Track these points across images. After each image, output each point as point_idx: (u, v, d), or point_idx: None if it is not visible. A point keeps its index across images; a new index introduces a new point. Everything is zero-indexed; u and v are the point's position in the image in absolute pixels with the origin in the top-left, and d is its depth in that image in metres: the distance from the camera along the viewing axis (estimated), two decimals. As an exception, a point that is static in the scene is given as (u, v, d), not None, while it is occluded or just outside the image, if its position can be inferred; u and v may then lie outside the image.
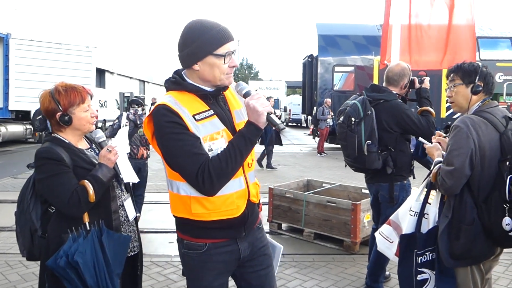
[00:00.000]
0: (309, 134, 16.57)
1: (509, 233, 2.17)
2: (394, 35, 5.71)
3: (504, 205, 2.16)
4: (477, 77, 2.36)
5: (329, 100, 13.65)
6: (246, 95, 1.75)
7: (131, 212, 2.31)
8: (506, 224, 2.15)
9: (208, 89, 1.79)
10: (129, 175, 2.36)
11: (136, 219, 2.39)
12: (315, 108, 15.15)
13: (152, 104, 18.67)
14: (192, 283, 1.88)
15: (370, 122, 3.28)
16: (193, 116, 1.70)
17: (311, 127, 15.85)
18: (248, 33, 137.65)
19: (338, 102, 14.34)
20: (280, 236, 5.35)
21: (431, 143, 3.43)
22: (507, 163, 2.18)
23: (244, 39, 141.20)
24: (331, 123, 13.66)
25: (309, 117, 16.22)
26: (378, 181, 3.47)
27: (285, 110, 29.99)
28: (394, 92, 3.41)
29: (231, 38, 1.74)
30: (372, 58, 14.36)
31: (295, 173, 10.50)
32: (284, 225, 5.50)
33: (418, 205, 2.45)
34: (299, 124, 30.02)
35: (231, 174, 1.68)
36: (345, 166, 3.64)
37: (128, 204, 2.30)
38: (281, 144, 11.37)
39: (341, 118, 3.41)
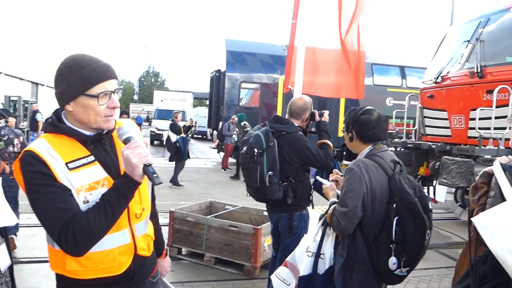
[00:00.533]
0: (214, 148, 16.54)
1: (395, 272, 2.30)
2: (299, 57, 5.90)
3: (391, 245, 2.28)
4: (351, 127, 2.54)
5: (236, 117, 13.77)
6: (125, 141, 1.56)
7: (3, 261, 2.00)
8: (393, 264, 2.28)
9: (87, 133, 1.60)
10: (4, 217, 2.05)
11: (11, 268, 2.08)
12: (221, 123, 15.19)
13: (34, 112, 17.04)
14: None
15: (273, 153, 3.31)
16: (66, 164, 1.51)
17: (216, 141, 15.85)
18: (156, 40, 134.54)
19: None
20: (180, 262, 5.16)
21: (328, 175, 3.57)
22: (394, 205, 2.31)
23: (152, 46, 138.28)
24: (236, 139, 13.76)
25: (215, 132, 16.20)
26: (278, 211, 3.51)
27: (191, 122, 29.64)
28: (296, 125, 3.50)
29: (109, 76, 1.57)
30: (278, 77, 14.83)
31: (199, 190, 10.36)
32: (184, 250, 5.33)
33: (315, 245, 2.48)
34: (204, 137, 29.90)
35: (101, 233, 1.49)
36: (247, 195, 3.62)
37: (1, 251, 2.00)
38: (188, 157, 11.13)
39: (244, 148, 3.40)
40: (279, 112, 14.62)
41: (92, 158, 1.57)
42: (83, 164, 1.54)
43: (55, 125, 1.59)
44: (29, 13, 33.72)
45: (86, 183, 1.53)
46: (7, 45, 29.61)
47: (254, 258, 4.73)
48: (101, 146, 1.64)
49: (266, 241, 4.89)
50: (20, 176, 1.51)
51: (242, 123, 12.28)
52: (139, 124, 35.62)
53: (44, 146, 1.53)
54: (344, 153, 16.00)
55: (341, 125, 15.30)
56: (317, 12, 6.08)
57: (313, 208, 3.66)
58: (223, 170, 13.95)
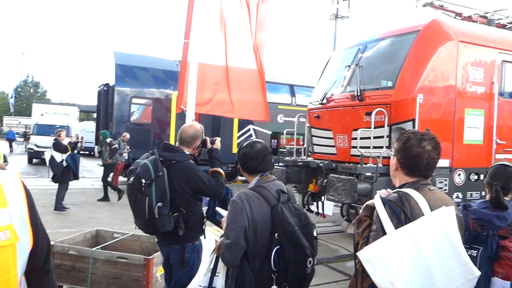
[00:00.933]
0: (102, 165, 15.48)
1: None
2: (192, 75, 5.77)
3: (273, 275, 2.33)
4: (238, 161, 2.68)
5: (127, 134, 13.10)
6: None
7: None
8: None
9: None
10: None
11: None
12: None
13: None
14: None
15: (162, 183, 3.14)
16: None
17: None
18: (36, 46, 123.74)
19: (135, 134, 13.96)
20: (60, 302, 4.64)
21: (220, 202, 3.50)
22: (276, 234, 2.35)
23: (30, 53, 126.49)
24: (126, 157, 13.09)
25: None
26: (169, 243, 3.33)
27: (76, 138, 27.57)
28: (187, 153, 3.37)
29: None
30: (171, 93, 14.52)
31: (86, 214, 9.58)
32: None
33: (206, 279, 2.44)
34: (92, 153, 28.04)
35: None
36: (136, 228, 3.38)
37: None
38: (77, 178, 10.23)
39: (131, 179, 3.16)
40: (172, 129, 14.30)
41: None
42: None
43: None
44: None
45: None
46: None
47: (145, 290, 4.44)
48: None
49: (159, 271, 4.63)
50: None
51: (108, 140, 11.71)
52: (11, 140, 31.99)
53: None
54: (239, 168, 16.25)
55: (235, 142, 15.50)
56: (212, 30, 6.03)
57: (205, 238, 3.54)
58: (112, 190, 13.14)
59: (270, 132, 15.91)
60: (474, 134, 6.77)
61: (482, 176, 6.80)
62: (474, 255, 2.62)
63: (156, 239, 3.49)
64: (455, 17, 8.24)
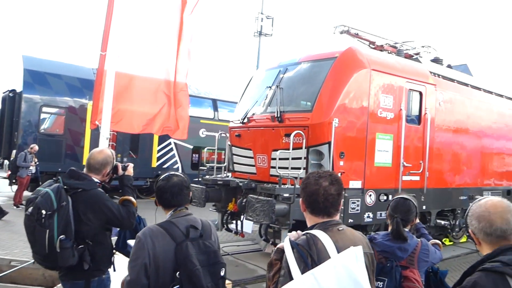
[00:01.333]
0: (5, 178, 14.09)
1: None
2: (108, 85, 5.45)
3: None
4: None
5: (35, 146, 12.10)
6: None
7: None
8: None
9: None
10: None
11: None
12: (14, 151, 13.16)
13: None
14: None
15: (65, 214, 2.87)
16: None
17: (8, 172, 13.56)
18: None
19: (45, 145, 12.96)
20: None
21: (131, 233, 3.30)
22: (177, 273, 2.28)
23: None
24: (33, 171, 12.09)
25: (6, 161, 13.91)
26: (73, 278, 3.04)
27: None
28: (96, 180, 3.12)
29: None
30: (86, 102, 13.72)
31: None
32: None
33: None
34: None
35: None
36: (34, 262, 3.06)
37: None
38: None
39: (30, 209, 2.85)
40: (87, 141, 13.52)
41: None
42: None
43: None
44: None
45: None
46: None
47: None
48: None
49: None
50: None
51: None
52: None
53: None
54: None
55: (155, 156, 15.03)
56: (133, 41, 5.77)
57: (114, 271, 3.30)
58: (15, 207, 12.01)
59: (191, 147, 15.70)
60: (384, 157, 7.21)
61: (390, 197, 7.25)
62: (380, 286, 2.72)
63: (58, 274, 3.18)
64: (369, 45, 8.78)
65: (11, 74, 15.16)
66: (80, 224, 2.95)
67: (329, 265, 1.80)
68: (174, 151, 15.42)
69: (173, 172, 2.67)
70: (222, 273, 2.41)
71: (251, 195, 6.46)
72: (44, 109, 13.48)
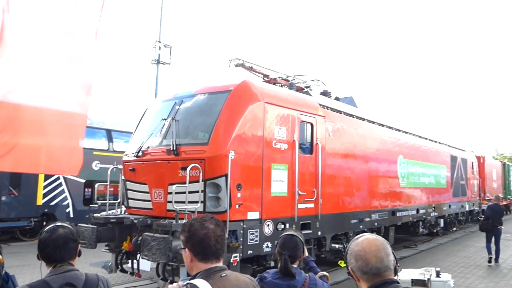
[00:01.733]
0: None
1: None
2: None
3: None
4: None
5: None
6: None
7: None
8: None
9: None
10: None
11: None
12: None
13: None
14: None
15: None
16: None
17: None
18: None
19: None
20: None
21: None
22: None
23: None
24: None
25: None
26: None
27: None
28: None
29: None
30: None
31: None
32: None
33: None
34: None
35: None
36: None
37: None
38: None
39: None
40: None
41: None
42: None
43: None
44: None
45: None
46: None
47: None
48: None
49: None
50: None
51: None
52: None
53: None
54: (45, 223, 14.36)
55: (41, 192, 13.69)
56: (20, 65, 5.17)
57: None
58: None
59: (83, 181, 14.62)
60: (280, 187, 7.40)
61: (288, 225, 7.43)
62: None
63: None
64: (263, 78, 9.10)
65: None
66: None
67: None
68: (64, 186, 14.19)
69: (59, 223, 2.44)
70: None
71: (146, 233, 6.14)
72: None
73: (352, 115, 10.12)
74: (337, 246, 9.11)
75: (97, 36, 5.66)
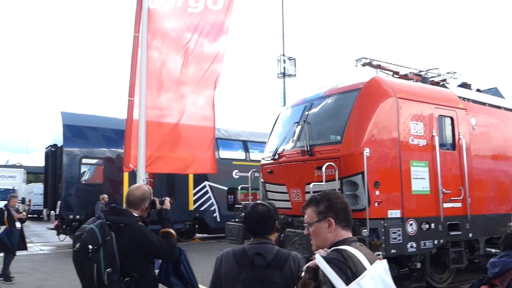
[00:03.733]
0: (52, 229, 14.67)
1: None
2: (140, 132, 5.72)
3: None
4: None
5: (106, 196, 12.55)
6: None
7: None
8: None
9: None
10: None
11: None
12: (59, 202, 13.73)
13: None
14: None
15: (111, 248, 3.01)
16: None
17: (56, 221, 14.11)
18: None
19: (87, 195, 13.44)
20: None
21: (173, 264, 3.40)
22: None
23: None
24: None
25: (52, 212, 14.47)
26: (119, 309, 3.14)
27: (23, 201, 26.18)
28: (135, 215, 3.28)
29: None
30: (121, 151, 14.25)
31: (34, 282, 8.91)
32: None
33: None
34: (40, 216, 26.56)
35: None
36: None
37: None
38: (26, 248, 9.60)
39: (77, 245, 3.02)
40: (125, 188, 13.90)
41: None
42: None
43: None
44: None
45: None
46: None
47: None
48: None
49: None
50: None
51: None
52: None
53: None
54: (197, 226, 15.92)
55: (191, 199, 15.25)
56: (158, 87, 6.06)
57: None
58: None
59: (226, 188, 15.86)
60: (421, 185, 7.07)
61: (433, 225, 7.04)
62: None
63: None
64: (392, 75, 8.85)
65: (52, 130, 16.03)
66: (124, 257, 3.08)
67: (370, 275, 1.86)
68: (210, 194, 15.63)
69: (260, 201, 2.78)
70: None
71: (288, 229, 6.46)
72: (84, 160, 14.11)
73: (499, 107, 9.18)
74: (493, 250, 8.27)
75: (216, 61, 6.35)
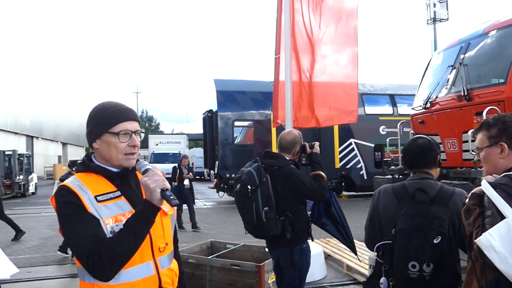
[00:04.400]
0: (212, 188, 16.49)
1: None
2: (287, 91, 5.98)
3: (382, 267, 2.38)
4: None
5: (186, 159, 13.06)
6: (144, 172, 1.70)
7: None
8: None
9: (114, 169, 1.77)
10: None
11: None
12: (217, 162, 15.22)
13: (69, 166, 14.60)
14: None
15: (266, 188, 3.30)
16: (95, 197, 1.67)
17: (215, 181, 15.80)
18: (148, 84, 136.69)
19: (240, 155, 14.61)
20: (183, 307, 5.03)
21: (324, 205, 3.56)
22: (393, 230, 2.38)
23: (144, 91, 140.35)
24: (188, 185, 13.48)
25: (212, 171, 16.17)
26: (278, 246, 3.46)
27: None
28: (287, 158, 3.51)
29: (130, 117, 1.76)
30: (269, 113, 14.99)
31: (202, 231, 10.24)
32: (187, 294, 5.20)
33: None
34: (202, 177, 29.87)
35: (125, 257, 1.59)
36: (246, 233, 3.59)
37: None
38: (194, 203, 11.08)
39: (238, 186, 3.39)
40: (274, 148, 14.71)
41: (118, 193, 1.72)
42: (111, 198, 1.69)
43: (86, 165, 1.77)
44: (20, 68, 34.34)
45: (113, 215, 1.66)
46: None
47: (259, 297, 4.62)
48: (127, 182, 1.78)
49: (270, 278, 4.79)
50: (54, 207, 1.69)
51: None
52: None
53: (75, 181, 1.70)
54: (343, 184, 16.04)
55: (337, 157, 15.35)
56: (302, 45, 6.21)
57: (312, 241, 3.62)
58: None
59: (372, 145, 15.51)
60: None
61: None
62: None
63: (266, 243, 3.65)
64: None
65: (207, 97, 17.63)
66: (279, 197, 3.36)
67: None
68: (356, 151, 15.49)
69: (420, 135, 2.68)
70: (435, 241, 2.28)
71: (443, 181, 6.10)
72: (236, 123, 15.27)
73: None
74: None
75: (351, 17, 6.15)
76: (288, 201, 3.39)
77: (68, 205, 1.63)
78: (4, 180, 19.99)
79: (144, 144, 50.42)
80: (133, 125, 1.75)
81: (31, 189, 22.12)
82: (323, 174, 3.50)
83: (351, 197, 16.67)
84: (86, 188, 1.67)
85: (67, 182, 1.69)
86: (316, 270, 5.97)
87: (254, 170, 3.35)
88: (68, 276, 6.54)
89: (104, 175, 1.74)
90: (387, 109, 16.04)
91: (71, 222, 1.61)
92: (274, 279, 4.73)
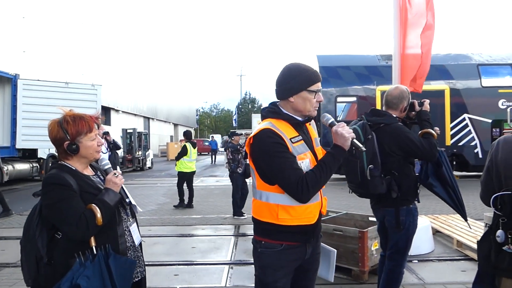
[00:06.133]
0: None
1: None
2: (394, 66, 5.80)
3: (500, 219, 2.29)
4: None
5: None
6: (331, 124, 2.20)
7: (136, 237, 2.30)
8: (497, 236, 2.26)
9: (299, 118, 2.22)
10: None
11: (141, 245, 2.37)
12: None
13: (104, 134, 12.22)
14: (263, 278, 2.18)
15: (372, 146, 3.25)
16: (290, 139, 2.13)
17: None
18: (251, 67, 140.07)
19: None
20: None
21: (433, 165, 3.42)
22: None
23: (248, 74, 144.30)
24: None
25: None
26: (384, 206, 3.41)
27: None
28: (394, 115, 3.41)
29: (320, 79, 2.22)
30: (374, 88, 14.48)
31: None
32: (290, 256, 5.39)
33: None
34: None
35: (321, 186, 2.12)
36: (350, 192, 3.59)
37: (134, 229, 2.30)
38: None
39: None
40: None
41: (300, 137, 2.19)
42: (298, 141, 2.16)
43: (278, 112, 2.22)
44: (139, 59, 38.01)
45: (300, 154, 2.13)
46: (123, 87, 33.59)
47: (361, 262, 4.63)
48: (301, 129, 2.24)
49: (374, 245, 4.76)
50: (256, 148, 2.13)
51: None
52: (214, 150, 32.05)
53: (273, 126, 2.14)
54: (454, 163, 14.93)
55: (448, 133, 14.34)
56: (413, 22, 5.98)
57: (419, 202, 3.49)
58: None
59: (490, 121, 14.16)
60: None
61: None
62: None
63: (370, 203, 3.62)
64: None
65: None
66: (385, 156, 3.28)
67: None
68: (470, 127, 14.27)
69: None
70: None
71: None
72: (339, 99, 15.01)
73: None
74: None
75: None
76: (394, 160, 3.30)
77: (277, 145, 2.07)
78: (126, 155, 22.36)
79: (248, 125, 52.12)
80: (320, 85, 2.21)
81: (148, 163, 24.36)
82: (433, 132, 3.34)
83: (464, 177, 15.45)
84: (281, 131, 2.11)
85: (268, 126, 2.12)
86: (423, 244, 5.75)
87: (359, 127, 3.30)
88: (180, 236, 7.19)
89: (290, 122, 2.18)
90: (508, 80, 14.44)
91: (281, 158, 2.05)
92: (377, 247, 4.69)
